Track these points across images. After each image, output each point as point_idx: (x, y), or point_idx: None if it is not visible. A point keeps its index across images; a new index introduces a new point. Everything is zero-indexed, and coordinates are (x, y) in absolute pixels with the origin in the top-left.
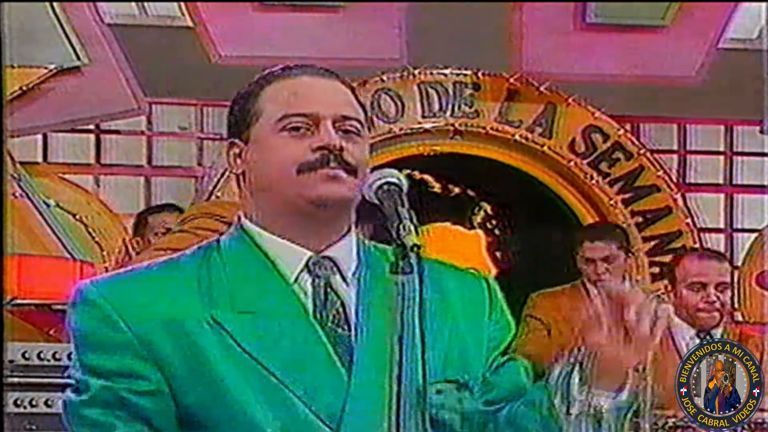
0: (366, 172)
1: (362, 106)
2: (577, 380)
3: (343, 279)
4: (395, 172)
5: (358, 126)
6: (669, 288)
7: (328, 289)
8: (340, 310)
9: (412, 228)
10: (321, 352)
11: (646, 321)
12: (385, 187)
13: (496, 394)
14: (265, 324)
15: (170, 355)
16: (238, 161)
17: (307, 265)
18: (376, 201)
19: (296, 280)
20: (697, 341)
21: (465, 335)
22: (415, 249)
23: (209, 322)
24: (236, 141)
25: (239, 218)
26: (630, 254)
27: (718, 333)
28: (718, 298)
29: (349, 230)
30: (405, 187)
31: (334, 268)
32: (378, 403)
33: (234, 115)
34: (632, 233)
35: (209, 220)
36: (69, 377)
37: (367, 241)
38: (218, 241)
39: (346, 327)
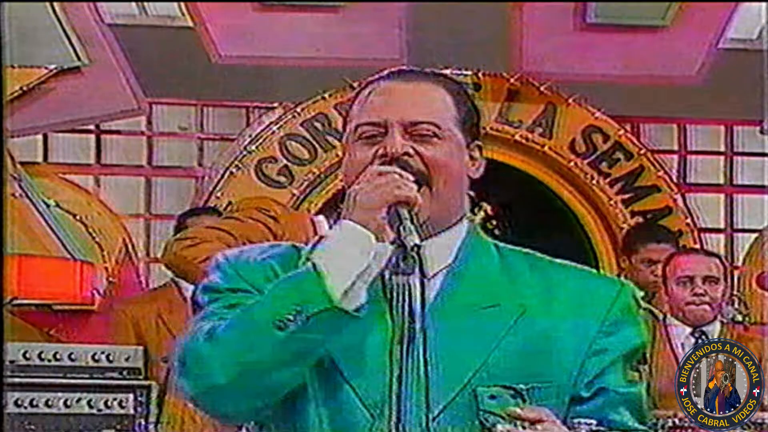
0: (451, 174)
1: (467, 108)
2: None
3: (423, 274)
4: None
5: (435, 129)
6: (663, 289)
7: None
8: (407, 303)
9: (413, 228)
10: (381, 341)
11: None
12: None
13: (588, 411)
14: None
15: None
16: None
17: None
18: None
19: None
20: (693, 341)
21: (560, 338)
22: (416, 249)
23: None
24: (340, 152)
25: None
26: None
27: (715, 332)
28: (706, 291)
29: (454, 225)
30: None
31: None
32: (421, 397)
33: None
34: None
35: (256, 211)
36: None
37: (485, 238)
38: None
39: (410, 320)
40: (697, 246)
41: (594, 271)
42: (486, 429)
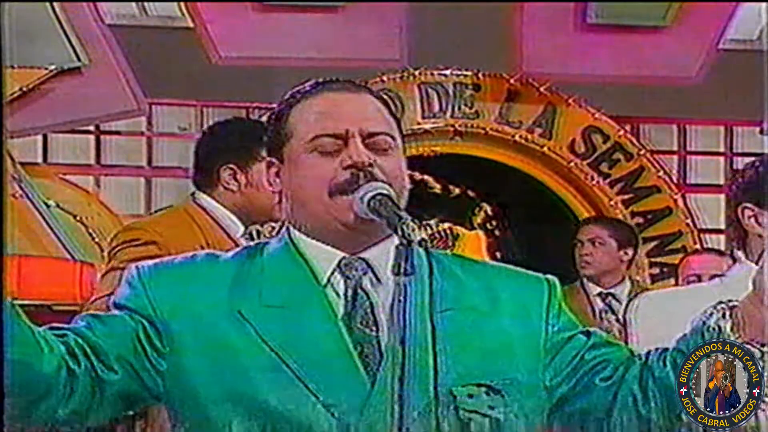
0: (403, 184)
1: (395, 116)
2: (728, 326)
3: (378, 280)
4: (380, 184)
5: (389, 140)
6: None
7: (358, 290)
8: (369, 310)
9: (414, 225)
10: (343, 352)
11: None
12: (378, 197)
13: (612, 368)
14: (292, 321)
15: (187, 342)
16: (277, 180)
17: (339, 266)
18: (371, 213)
19: (329, 280)
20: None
21: (513, 338)
22: (423, 243)
23: (236, 315)
24: (273, 160)
25: (287, 228)
26: (630, 251)
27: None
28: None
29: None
30: (394, 196)
31: (367, 270)
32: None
33: (268, 135)
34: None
35: (129, 249)
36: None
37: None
38: (266, 243)
39: (374, 327)
40: (697, 246)
41: (518, 269)
42: (467, 427)
